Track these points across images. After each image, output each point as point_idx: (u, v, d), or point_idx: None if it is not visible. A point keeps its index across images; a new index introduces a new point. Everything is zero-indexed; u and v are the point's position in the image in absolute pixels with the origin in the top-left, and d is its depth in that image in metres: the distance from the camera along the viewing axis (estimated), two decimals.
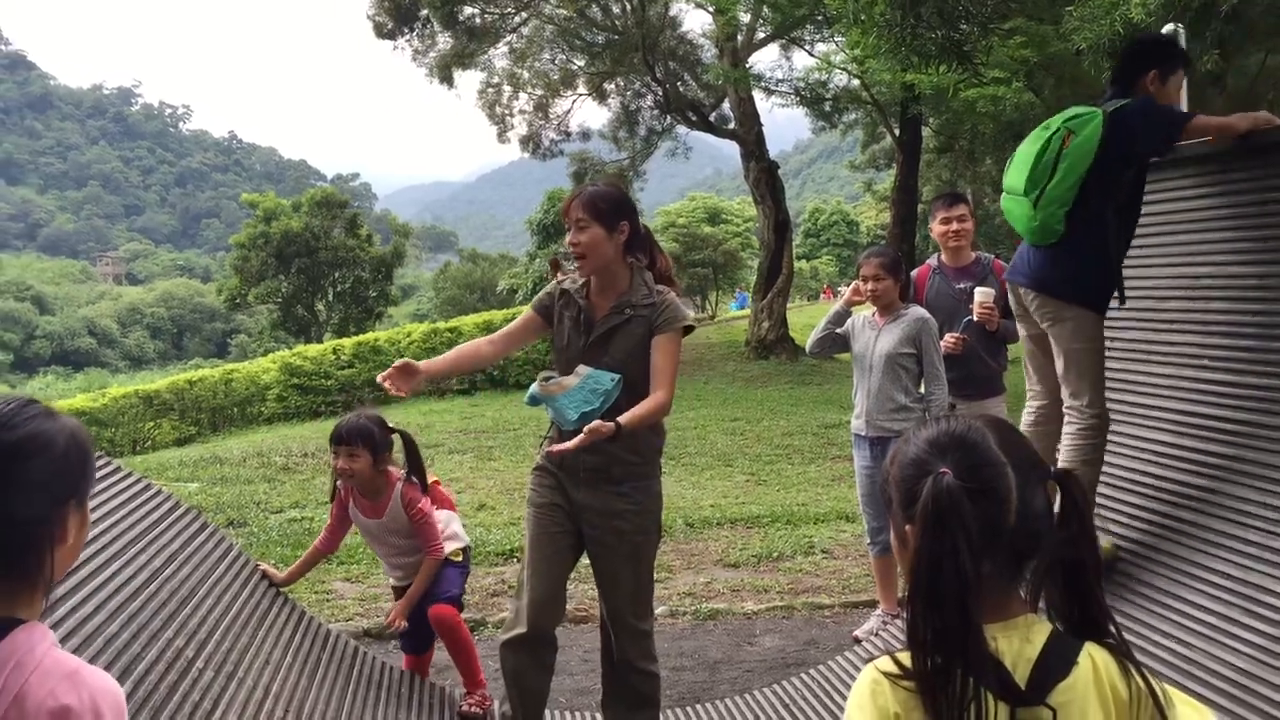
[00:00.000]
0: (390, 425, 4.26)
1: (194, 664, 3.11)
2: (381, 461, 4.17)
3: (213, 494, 10.33)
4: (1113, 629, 1.46)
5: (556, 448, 3.45)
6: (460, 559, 4.36)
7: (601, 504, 3.64)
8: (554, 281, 3.85)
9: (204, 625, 3.32)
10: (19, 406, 1.39)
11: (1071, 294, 3.67)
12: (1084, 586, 1.46)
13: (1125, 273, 4.20)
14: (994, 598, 1.45)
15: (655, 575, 6.23)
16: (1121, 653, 1.45)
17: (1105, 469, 3.87)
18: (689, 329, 3.69)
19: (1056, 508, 1.49)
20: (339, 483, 4.24)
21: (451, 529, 4.38)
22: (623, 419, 3.40)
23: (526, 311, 3.84)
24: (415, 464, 4.30)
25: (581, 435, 3.33)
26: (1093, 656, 1.43)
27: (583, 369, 3.63)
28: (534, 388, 3.67)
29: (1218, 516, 3.32)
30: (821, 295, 56.84)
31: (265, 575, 4.02)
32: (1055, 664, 1.42)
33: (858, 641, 4.89)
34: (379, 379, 3.54)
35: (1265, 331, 3.38)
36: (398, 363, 3.52)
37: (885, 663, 1.46)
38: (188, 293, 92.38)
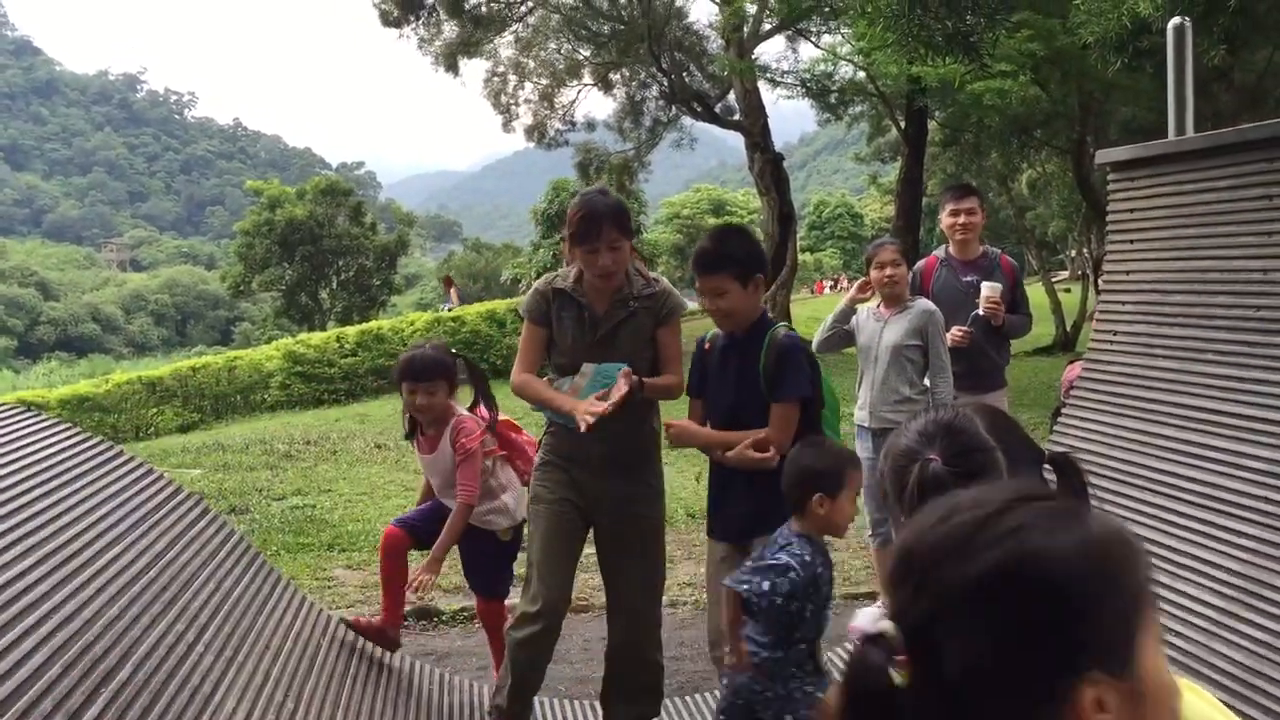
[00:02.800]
0: (454, 352, 4.16)
1: (194, 648, 3.12)
2: (452, 394, 4.08)
3: (215, 480, 10.35)
4: None
5: (594, 409, 3.41)
6: (509, 538, 4.17)
7: (620, 491, 3.67)
8: (539, 282, 3.84)
9: (204, 609, 3.33)
10: None
11: None
12: None
13: (1128, 265, 4.21)
14: None
15: None
16: None
17: (1106, 460, 3.87)
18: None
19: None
20: (417, 421, 4.10)
21: (504, 500, 4.13)
22: (647, 381, 3.60)
23: (526, 328, 3.79)
24: (483, 394, 4.19)
25: (614, 399, 3.43)
26: None
27: (588, 368, 3.62)
28: None
29: (1219, 511, 3.32)
30: (814, 289, 56.80)
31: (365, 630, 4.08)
32: None
33: None
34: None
35: (1267, 326, 3.37)
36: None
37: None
38: (192, 280, 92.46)
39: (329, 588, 6.47)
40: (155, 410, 19.67)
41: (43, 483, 3.18)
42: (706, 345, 3.69)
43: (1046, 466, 1.47)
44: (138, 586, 3.10)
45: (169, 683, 2.90)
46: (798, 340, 3.58)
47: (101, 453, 3.63)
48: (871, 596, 5.53)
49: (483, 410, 4.19)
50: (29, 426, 3.52)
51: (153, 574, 3.20)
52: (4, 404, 3.65)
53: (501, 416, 4.20)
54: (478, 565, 4.21)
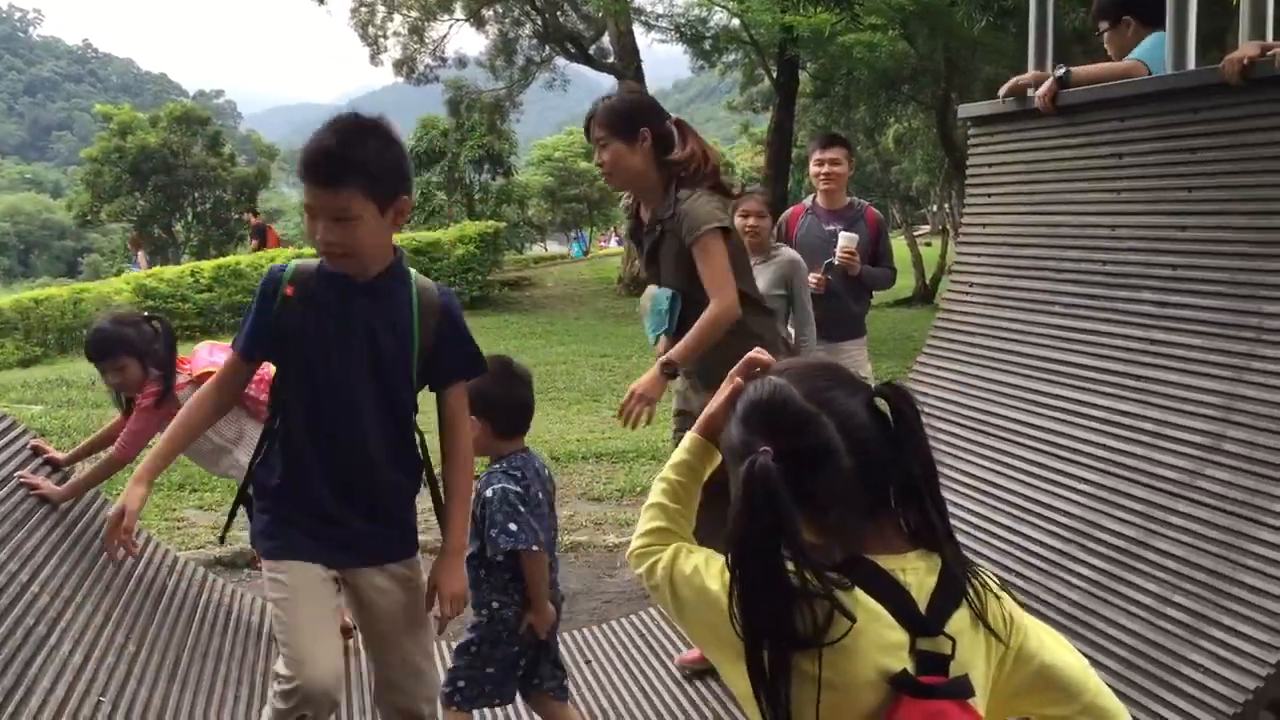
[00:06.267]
0: (144, 315, 3.81)
1: (28, 588, 2.98)
2: (152, 359, 3.67)
3: (58, 417, 9.89)
4: (948, 542, 1.48)
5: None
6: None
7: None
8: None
9: (39, 549, 3.19)
10: None
11: None
12: (918, 494, 1.47)
13: (984, 219, 4.32)
14: (871, 533, 1.46)
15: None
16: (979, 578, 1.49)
17: (956, 408, 3.99)
18: (724, 229, 3.43)
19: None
20: (123, 396, 3.76)
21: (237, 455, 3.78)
22: (673, 354, 3.38)
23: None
24: (160, 360, 3.70)
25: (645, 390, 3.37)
26: (973, 585, 1.46)
27: (651, 289, 3.67)
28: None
29: (1060, 458, 3.45)
30: None
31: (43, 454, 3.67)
32: (949, 594, 1.44)
33: None
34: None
35: (1113, 280, 3.50)
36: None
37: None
38: (35, 208, 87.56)
39: (179, 529, 6.28)
40: None
41: None
42: (289, 289, 2.59)
43: (878, 399, 1.48)
44: None
45: (1, 621, 2.76)
46: (451, 293, 2.78)
47: None
48: None
49: (192, 364, 3.80)
50: None
51: None
52: None
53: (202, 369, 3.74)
54: None
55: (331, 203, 2.37)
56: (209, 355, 3.79)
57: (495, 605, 2.99)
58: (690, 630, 1.64)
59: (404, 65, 26.85)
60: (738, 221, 5.13)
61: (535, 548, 2.89)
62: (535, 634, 3.01)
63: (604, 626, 4.49)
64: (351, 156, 2.35)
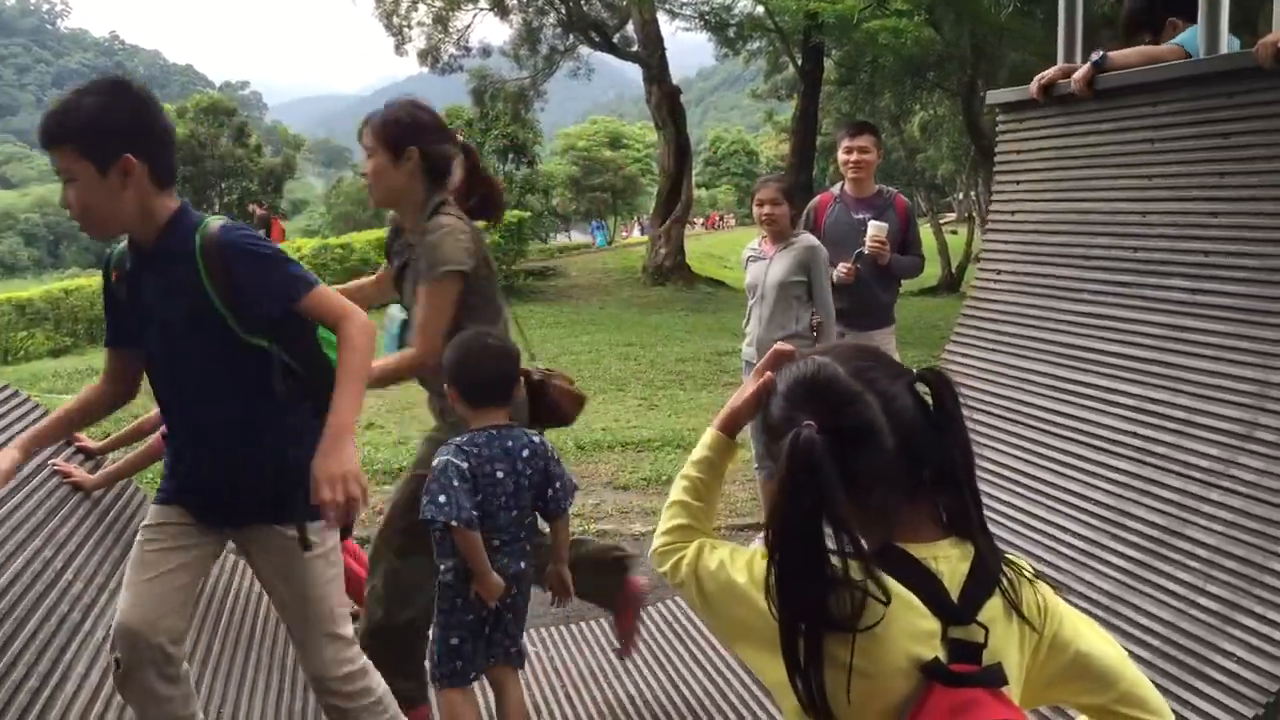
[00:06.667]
0: None
1: (63, 575, 3.01)
2: None
3: None
4: (982, 531, 1.46)
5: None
6: None
7: None
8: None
9: (73, 537, 3.22)
10: None
11: None
12: (955, 482, 1.45)
13: (1013, 206, 4.28)
14: (903, 520, 1.45)
15: None
16: (1016, 567, 1.48)
17: (985, 396, 3.97)
18: (457, 274, 3.12)
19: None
20: None
21: None
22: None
23: None
24: None
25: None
26: (1006, 573, 1.45)
27: (391, 309, 3.50)
28: None
29: (1090, 446, 3.43)
30: (707, 223, 57.10)
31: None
32: (982, 582, 1.43)
33: None
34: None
35: (1143, 267, 3.47)
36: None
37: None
38: None
39: None
40: (25, 333, 18.90)
41: None
42: (114, 273, 2.62)
43: (918, 384, 1.46)
44: (1, 513, 2.97)
45: (36, 609, 2.80)
46: (239, 226, 2.54)
47: None
48: (758, 528, 5.62)
49: None
50: None
51: (17, 499, 3.07)
52: None
53: None
54: None
55: (55, 163, 2.38)
56: None
57: (442, 569, 3.03)
58: (717, 624, 1.63)
59: (428, 55, 26.95)
60: (754, 210, 5.15)
61: (454, 522, 2.89)
62: (484, 603, 3.04)
63: None
64: (66, 117, 2.35)
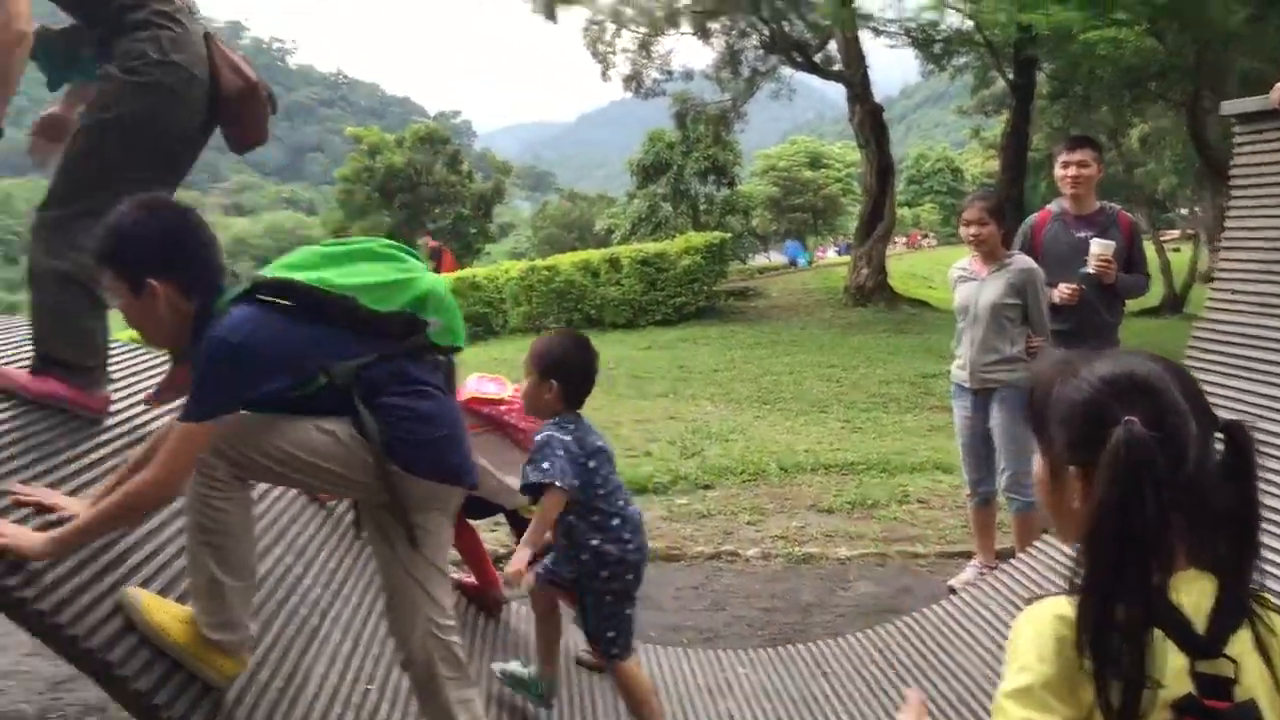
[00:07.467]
0: None
1: (302, 580, 3.21)
2: None
3: None
4: (1258, 581, 1.38)
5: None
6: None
7: None
8: None
9: (311, 543, 3.42)
10: None
11: None
12: (1242, 538, 1.37)
13: (1250, 221, 4.04)
14: (1169, 549, 1.39)
15: (750, 519, 6.23)
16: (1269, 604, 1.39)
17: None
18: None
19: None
20: None
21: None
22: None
23: None
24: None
25: None
26: (1254, 608, 1.37)
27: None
28: None
29: None
30: (909, 240, 55.91)
31: None
32: (1230, 615, 1.35)
33: (953, 591, 4.83)
34: None
35: None
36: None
37: (1064, 606, 1.34)
38: (293, 225, 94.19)
39: None
40: None
41: (155, 416, 3.28)
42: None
43: (1218, 435, 1.39)
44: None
45: (279, 612, 2.99)
46: (225, 327, 2.35)
47: None
48: (968, 556, 5.46)
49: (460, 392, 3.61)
50: (145, 361, 3.62)
51: (263, 507, 3.29)
52: (121, 341, 3.76)
53: None
54: None
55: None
56: (477, 384, 3.96)
57: (594, 543, 3.17)
58: None
59: (632, 80, 27.51)
60: (961, 230, 5.00)
61: (558, 483, 3.03)
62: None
63: (839, 640, 4.44)
64: (103, 242, 2.43)
